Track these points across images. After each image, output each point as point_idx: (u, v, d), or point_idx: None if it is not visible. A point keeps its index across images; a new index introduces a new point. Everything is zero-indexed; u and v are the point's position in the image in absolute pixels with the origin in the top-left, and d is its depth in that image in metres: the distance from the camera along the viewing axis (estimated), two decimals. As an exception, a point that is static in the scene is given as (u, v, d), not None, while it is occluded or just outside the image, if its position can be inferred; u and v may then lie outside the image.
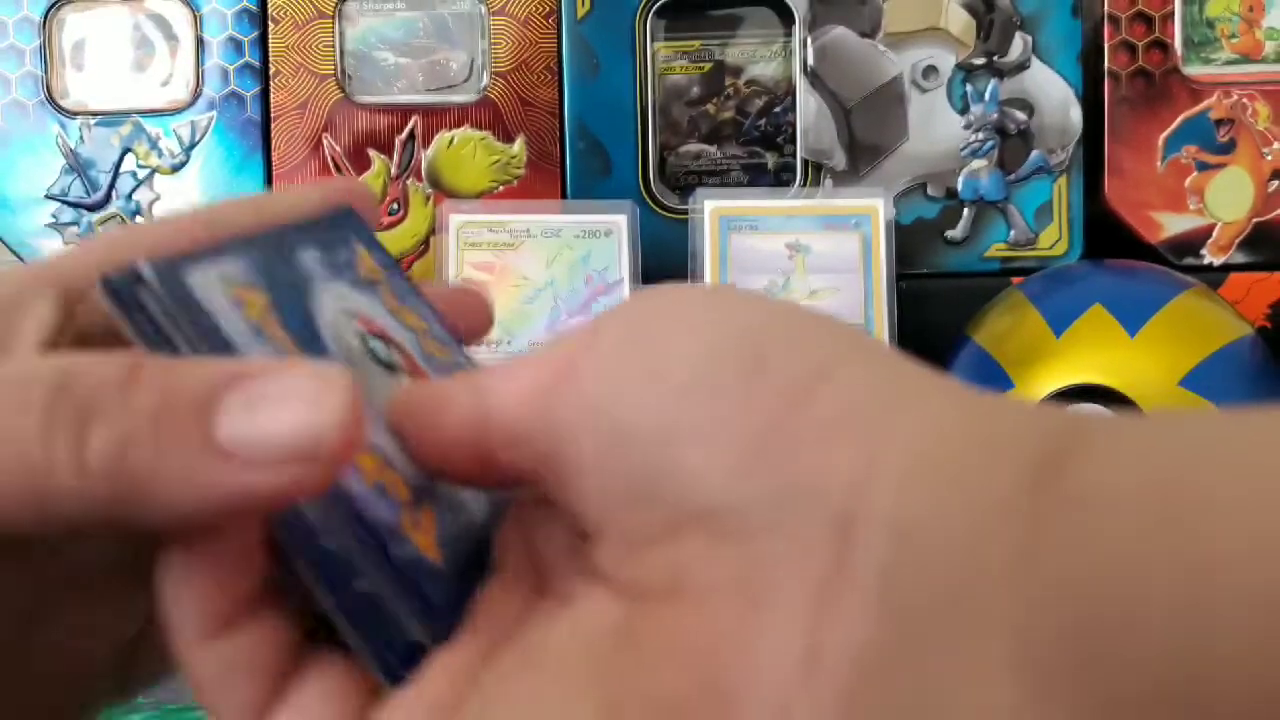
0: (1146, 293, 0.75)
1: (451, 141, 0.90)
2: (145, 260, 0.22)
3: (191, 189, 0.92)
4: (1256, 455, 0.18)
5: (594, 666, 0.21)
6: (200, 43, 0.91)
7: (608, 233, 0.84)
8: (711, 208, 0.83)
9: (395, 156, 0.90)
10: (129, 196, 0.92)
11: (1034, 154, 0.88)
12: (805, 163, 0.89)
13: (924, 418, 0.20)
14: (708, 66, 0.91)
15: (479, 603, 0.23)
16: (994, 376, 0.74)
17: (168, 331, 0.22)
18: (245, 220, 0.25)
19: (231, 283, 0.23)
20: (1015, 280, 0.83)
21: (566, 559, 0.23)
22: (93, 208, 0.92)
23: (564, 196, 0.89)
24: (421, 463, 0.23)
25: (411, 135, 0.90)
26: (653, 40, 0.90)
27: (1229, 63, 0.88)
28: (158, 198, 0.92)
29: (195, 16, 0.91)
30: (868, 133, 0.89)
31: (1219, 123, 0.87)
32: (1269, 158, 0.87)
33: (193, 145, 0.92)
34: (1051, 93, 0.88)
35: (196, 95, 0.92)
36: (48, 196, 0.92)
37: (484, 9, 0.90)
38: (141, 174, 0.92)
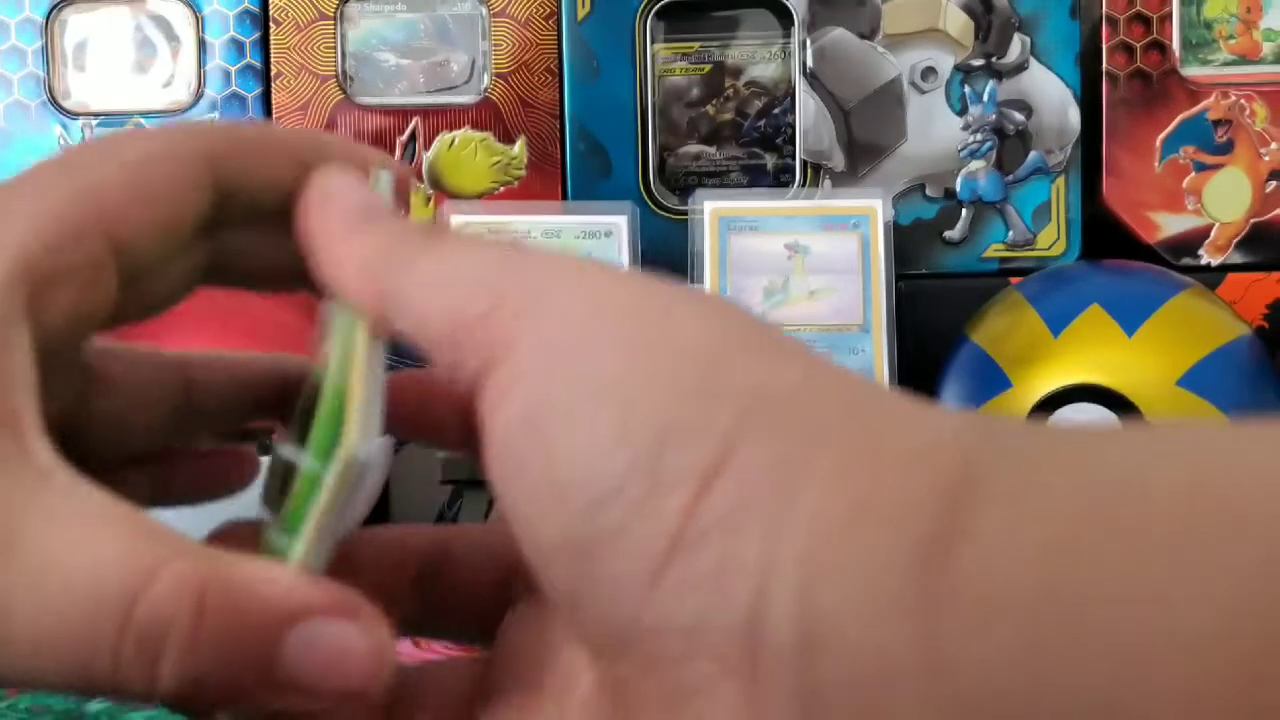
0: (1144, 293, 0.75)
1: (452, 143, 0.91)
2: None
3: (193, 190, 0.92)
4: (1156, 519, 0.17)
5: None
6: (202, 44, 0.92)
7: (608, 234, 0.84)
8: (711, 208, 0.83)
9: (396, 157, 0.91)
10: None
11: (1032, 155, 0.88)
12: (804, 164, 0.89)
13: (819, 495, 0.19)
14: (707, 68, 0.92)
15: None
16: (992, 376, 0.74)
17: None
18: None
19: None
20: (1013, 280, 0.84)
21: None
22: (95, 208, 0.93)
23: (564, 198, 0.90)
24: None
25: (412, 136, 0.91)
26: (652, 42, 0.90)
27: (1227, 64, 0.89)
28: (160, 199, 0.92)
29: (197, 18, 0.91)
30: (866, 134, 0.89)
31: (1217, 123, 0.87)
32: (1267, 158, 0.87)
33: (194, 146, 0.92)
34: (1050, 94, 0.88)
35: (198, 96, 0.92)
36: (50, 197, 0.92)
37: (485, 11, 0.91)
38: (143, 175, 0.92)
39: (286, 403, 0.27)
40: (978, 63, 0.88)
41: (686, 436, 0.20)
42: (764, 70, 0.91)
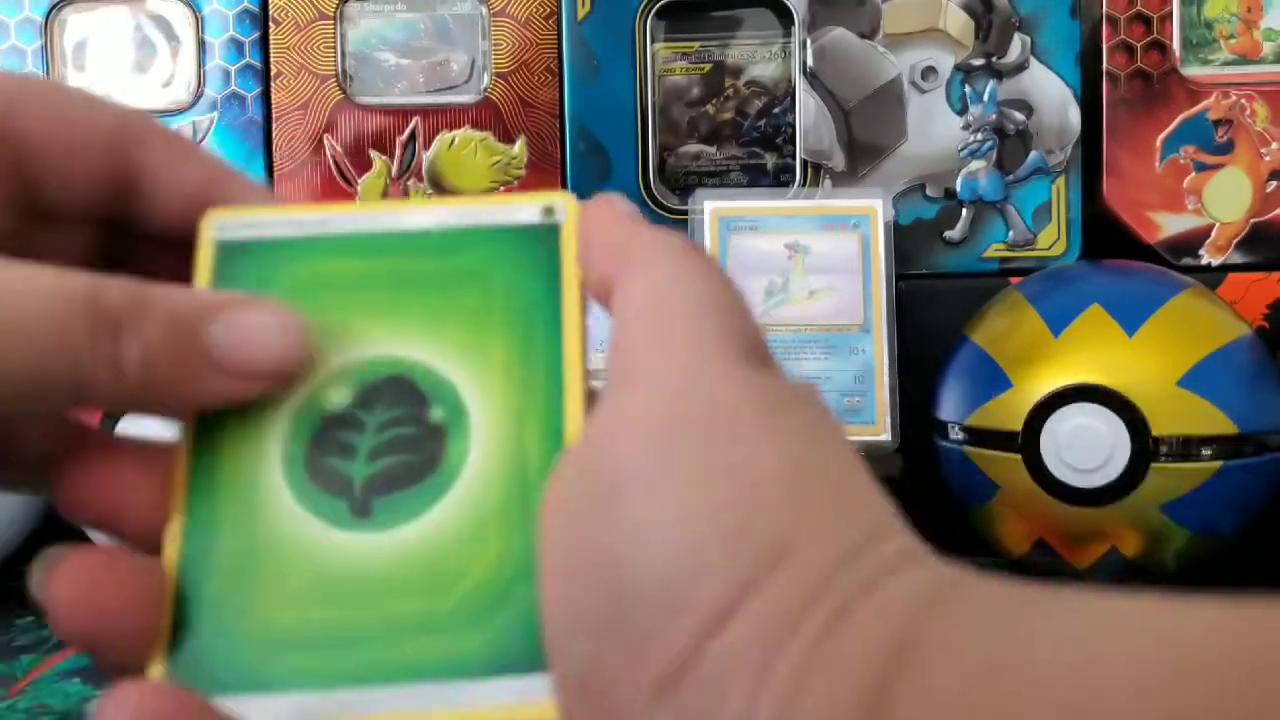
0: (1145, 293, 0.75)
1: (452, 142, 0.90)
2: None
3: (193, 190, 0.92)
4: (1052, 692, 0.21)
5: None
6: (202, 44, 0.91)
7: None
8: (711, 208, 0.83)
9: (396, 157, 0.91)
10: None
11: (1032, 154, 0.88)
12: (804, 163, 0.89)
13: (800, 655, 0.22)
14: (707, 67, 0.92)
15: None
16: (992, 377, 0.74)
17: None
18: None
19: None
20: (1013, 280, 0.83)
21: None
22: (94, 208, 0.92)
23: (564, 197, 0.89)
24: None
25: (412, 136, 0.91)
26: (652, 41, 0.90)
27: (1227, 63, 0.89)
28: (159, 198, 0.92)
29: (197, 18, 0.91)
30: (867, 133, 0.89)
31: (1217, 123, 0.87)
32: (1267, 158, 0.87)
33: (194, 146, 0.92)
34: (1050, 93, 0.88)
35: (198, 96, 0.92)
36: (49, 197, 0.92)
37: (485, 10, 0.91)
38: (143, 175, 0.92)
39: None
40: (978, 62, 0.88)
41: (713, 573, 0.23)
42: (764, 70, 0.91)
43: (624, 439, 0.25)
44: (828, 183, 0.88)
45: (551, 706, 0.26)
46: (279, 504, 0.28)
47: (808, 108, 0.89)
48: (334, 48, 0.91)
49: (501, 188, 0.90)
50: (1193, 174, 0.87)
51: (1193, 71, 0.88)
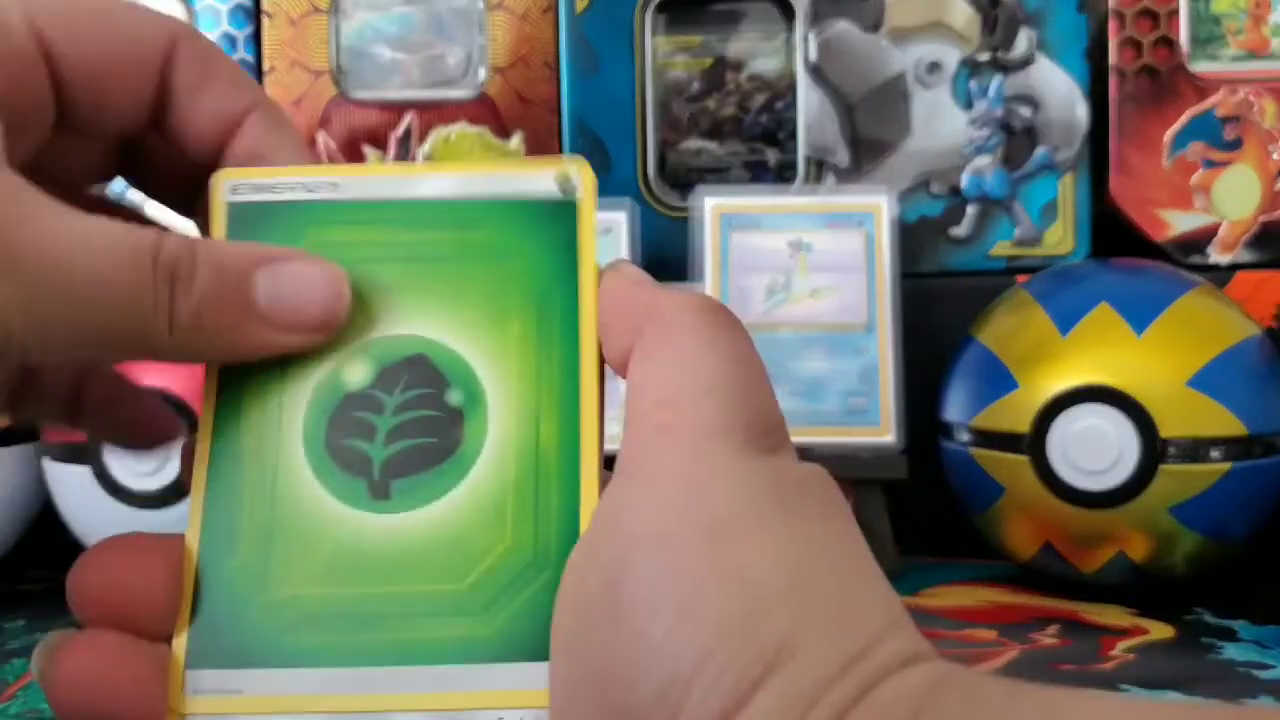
0: (1153, 291, 0.74)
1: (449, 138, 0.89)
2: None
3: (185, 186, 0.91)
4: None
5: None
6: (194, 38, 0.90)
7: (607, 231, 0.83)
8: (712, 205, 0.82)
9: (391, 153, 0.90)
10: (123, 194, 0.91)
11: (1039, 151, 0.87)
12: (807, 159, 0.88)
13: None
14: (708, 62, 0.91)
15: None
16: (999, 377, 0.73)
17: None
18: None
19: None
20: (1020, 279, 0.82)
21: None
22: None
23: (563, 194, 0.88)
24: None
25: (408, 131, 0.90)
26: (653, 35, 0.89)
27: (1235, 59, 0.88)
28: (151, 195, 0.91)
29: (189, 12, 0.90)
30: (871, 129, 0.88)
31: (1225, 120, 0.86)
32: (1276, 155, 0.86)
33: (186, 142, 0.91)
34: (1057, 89, 0.87)
35: (190, 91, 0.91)
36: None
37: (481, 4, 0.90)
38: (135, 171, 0.91)
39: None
40: (984, 57, 0.87)
41: (710, 687, 0.23)
42: (766, 64, 0.90)
43: (629, 540, 0.25)
44: (831, 179, 0.87)
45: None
46: (300, 482, 0.29)
47: (810, 103, 0.88)
48: (328, 42, 0.90)
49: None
50: (1201, 171, 0.86)
51: (1201, 67, 0.87)
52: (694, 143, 0.91)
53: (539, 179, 0.31)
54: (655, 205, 0.88)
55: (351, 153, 0.90)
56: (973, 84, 0.87)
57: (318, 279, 0.29)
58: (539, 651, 0.27)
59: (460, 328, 0.29)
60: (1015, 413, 0.72)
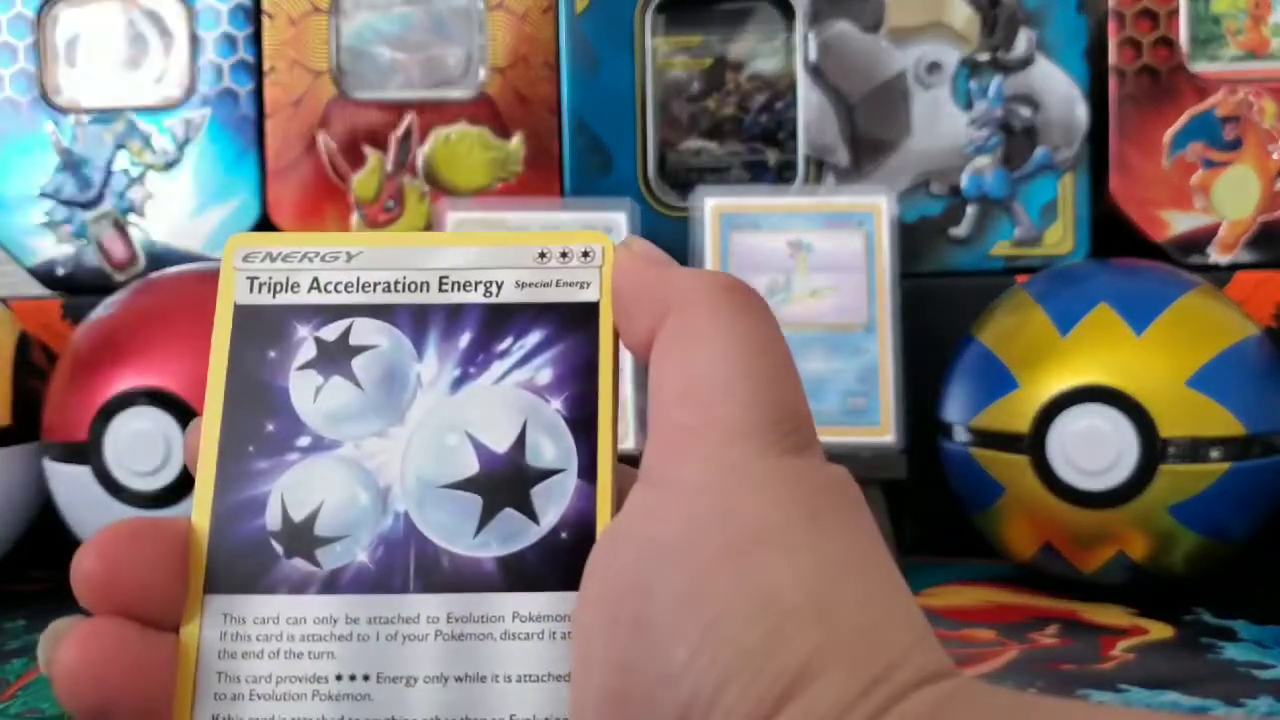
0: (1153, 291, 0.74)
1: (449, 138, 0.89)
2: None
3: (185, 186, 0.91)
4: None
5: None
6: (194, 39, 0.90)
7: (607, 230, 0.83)
8: (712, 205, 0.82)
9: (391, 153, 0.90)
10: (122, 194, 0.91)
11: (1039, 151, 0.87)
12: (807, 159, 0.88)
13: None
14: (708, 62, 0.91)
15: None
16: (999, 377, 0.73)
17: None
18: None
19: None
20: (1020, 279, 0.82)
21: None
22: (86, 205, 0.92)
23: (563, 194, 0.88)
24: None
25: (408, 131, 0.90)
26: (653, 35, 0.89)
27: (1235, 59, 0.88)
28: (151, 195, 0.91)
29: (189, 12, 0.90)
30: (871, 129, 0.88)
31: (1225, 120, 0.86)
32: (1276, 155, 0.86)
33: (186, 142, 0.91)
34: (1057, 89, 0.87)
35: (190, 92, 0.91)
36: (42, 195, 0.91)
37: (481, 4, 0.90)
38: (135, 172, 0.91)
39: None
40: (983, 57, 0.87)
41: (731, 707, 0.23)
42: (766, 64, 0.90)
43: (653, 552, 0.25)
44: (831, 179, 0.87)
45: None
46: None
47: (810, 103, 0.88)
48: (328, 42, 0.90)
49: (499, 184, 0.89)
50: (1201, 171, 0.86)
51: (1200, 67, 0.87)
52: (694, 143, 0.91)
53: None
54: (655, 205, 0.88)
55: (352, 153, 0.90)
56: (973, 84, 0.87)
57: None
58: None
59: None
60: (1015, 413, 0.72)
